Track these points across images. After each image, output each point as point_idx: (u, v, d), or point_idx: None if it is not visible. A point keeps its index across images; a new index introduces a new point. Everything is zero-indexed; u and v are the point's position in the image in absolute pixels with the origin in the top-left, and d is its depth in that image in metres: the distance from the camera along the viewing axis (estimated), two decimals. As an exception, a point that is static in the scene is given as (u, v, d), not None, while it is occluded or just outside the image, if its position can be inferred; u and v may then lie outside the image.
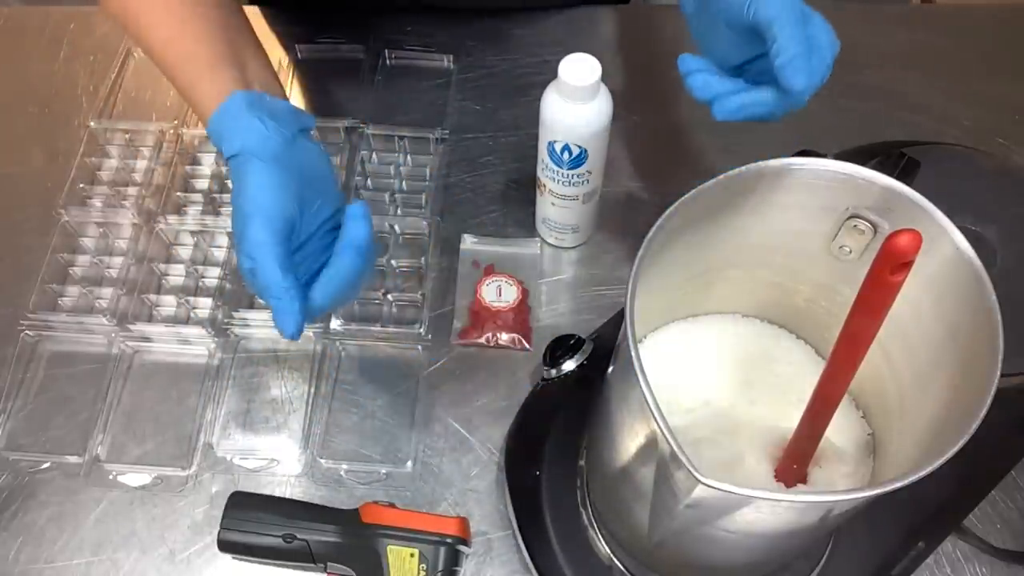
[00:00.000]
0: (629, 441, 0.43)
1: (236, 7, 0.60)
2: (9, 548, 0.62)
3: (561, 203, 0.69)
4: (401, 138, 0.79)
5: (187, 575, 0.61)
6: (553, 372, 0.62)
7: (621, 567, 0.57)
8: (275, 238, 0.49)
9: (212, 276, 0.73)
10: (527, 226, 0.76)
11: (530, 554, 0.58)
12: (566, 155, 0.64)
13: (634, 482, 0.45)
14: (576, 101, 0.60)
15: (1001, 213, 0.65)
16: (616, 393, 0.45)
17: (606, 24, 0.90)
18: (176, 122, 0.79)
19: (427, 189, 0.77)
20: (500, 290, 0.71)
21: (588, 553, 0.58)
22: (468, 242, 0.75)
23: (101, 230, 0.75)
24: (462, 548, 0.58)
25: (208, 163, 0.79)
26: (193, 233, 0.74)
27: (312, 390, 0.68)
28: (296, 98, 0.84)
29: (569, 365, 0.62)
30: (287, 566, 0.60)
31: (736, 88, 0.53)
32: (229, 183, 0.78)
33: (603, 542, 0.58)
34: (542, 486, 0.60)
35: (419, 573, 0.57)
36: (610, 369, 0.47)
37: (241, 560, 0.60)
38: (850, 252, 0.47)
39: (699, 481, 0.35)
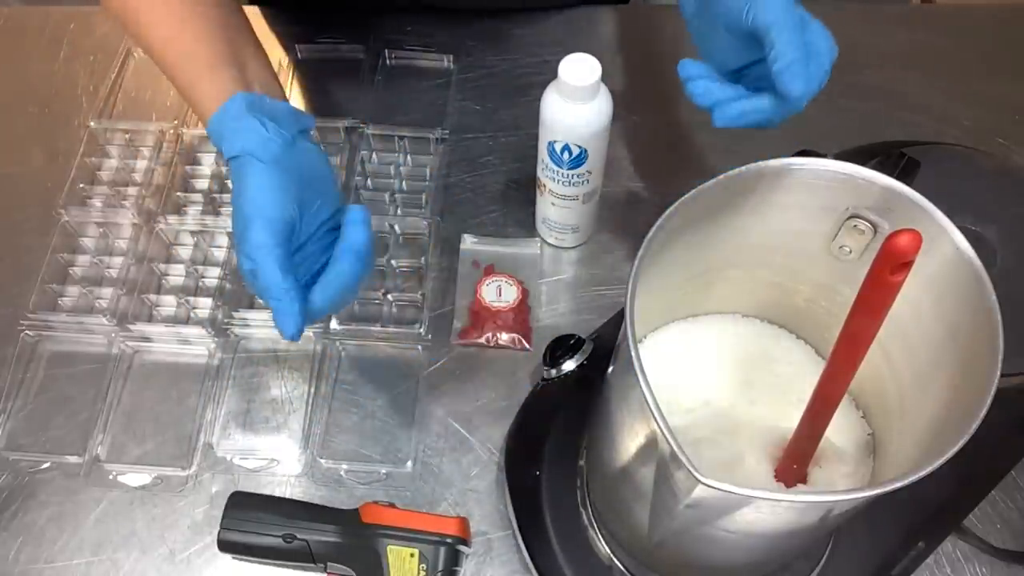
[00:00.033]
0: (629, 441, 0.43)
1: (236, 7, 0.60)
2: (9, 548, 0.62)
3: (561, 203, 0.69)
4: (401, 138, 0.79)
5: (187, 575, 0.61)
6: (553, 372, 0.62)
7: (621, 567, 0.57)
8: (275, 239, 0.50)
9: (212, 276, 0.73)
10: (527, 226, 0.76)
11: (530, 554, 0.58)
12: (566, 155, 0.64)
13: (634, 482, 0.45)
14: (576, 101, 0.60)
15: (1001, 213, 0.65)
16: (616, 393, 0.45)
17: (606, 24, 0.90)
18: (176, 122, 0.79)
19: (427, 189, 0.77)
20: (500, 290, 0.71)
21: (588, 553, 0.58)
22: (468, 242, 0.75)
23: (101, 230, 0.75)
24: (462, 548, 0.58)
25: (208, 163, 0.79)
26: (193, 233, 0.74)
27: (312, 390, 0.68)
28: (296, 98, 0.84)
29: (569, 365, 0.62)
30: (287, 566, 0.60)
31: (736, 95, 0.53)
32: (229, 183, 0.78)
33: (603, 542, 0.58)
34: (542, 486, 0.60)
35: (419, 573, 0.57)
36: (610, 369, 0.47)
37: (241, 560, 0.60)
38: (850, 252, 0.47)
39: (699, 481, 0.35)
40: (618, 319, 0.67)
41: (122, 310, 0.70)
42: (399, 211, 0.76)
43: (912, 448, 0.44)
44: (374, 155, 0.80)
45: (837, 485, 0.50)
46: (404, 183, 0.78)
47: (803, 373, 0.55)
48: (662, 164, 0.81)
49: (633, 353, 0.37)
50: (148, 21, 0.57)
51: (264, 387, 0.68)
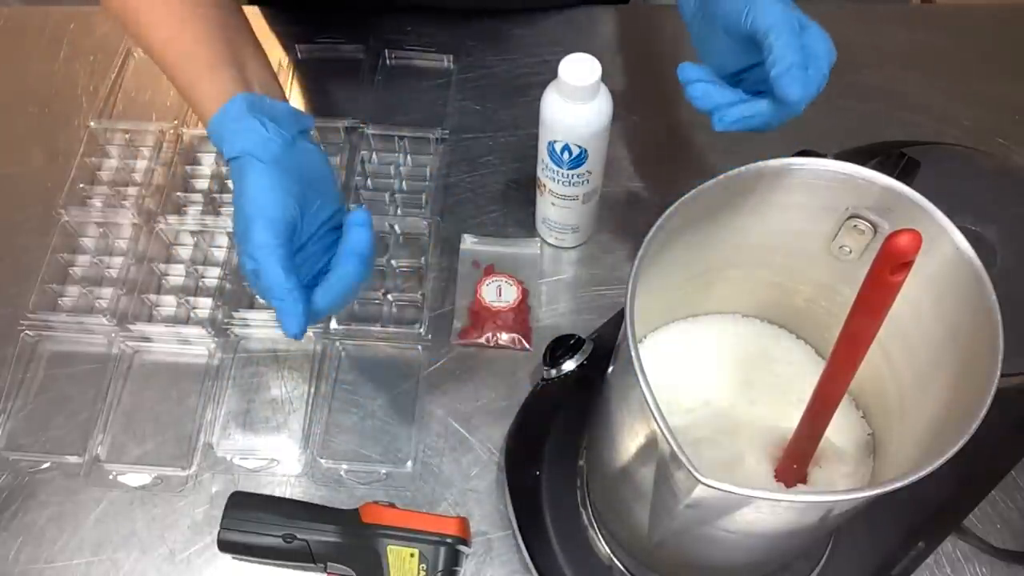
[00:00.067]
0: (629, 441, 0.43)
1: (235, 7, 0.60)
2: (9, 548, 0.62)
3: (561, 203, 0.69)
4: (401, 138, 0.79)
5: (187, 575, 0.61)
6: (553, 372, 0.62)
7: (621, 567, 0.57)
8: (277, 240, 0.50)
9: (212, 276, 0.73)
10: (527, 226, 0.76)
11: (530, 554, 0.58)
12: (566, 155, 0.64)
13: (634, 482, 0.45)
14: (576, 101, 0.60)
15: (1001, 213, 0.65)
16: (616, 393, 0.45)
17: (606, 24, 0.90)
18: (176, 122, 0.79)
19: (427, 189, 0.77)
20: (500, 290, 0.71)
21: (588, 553, 0.58)
22: (468, 242, 0.75)
23: (101, 230, 0.75)
24: (462, 548, 0.58)
25: (208, 163, 0.79)
26: (193, 233, 0.74)
27: (312, 390, 0.68)
28: (296, 98, 0.84)
29: (569, 365, 0.62)
30: (287, 566, 0.60)
31: (735, 99, 0.53)
32: (229, 183, 0.78)
33: (603, 542, 0.58)
34: (542, 486, 0.60)
35: (419, 573, 0.57)
36: (610, 369, 0.47)
37: (241, 560, 0.60)
38: (850, 252, 0.47)
39: (699, 481, 0.35)
40: (618, 319, 0.67)
41: (122, 310, 0.70)
42: (399, 211, 0.76)
43: (912, 448, 0.44)
44: (374, 155, 0.80)
45: (837, 485, 0.50)
46: (404, 183, 0.78)
47: (803, 373, 0.55)
48: (662, 164, 0.81)
49: (633, 353, 0.37)
50: (148, 22, 0.57)
51: (264, 387, 0.68)
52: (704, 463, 0.34)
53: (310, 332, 0.69)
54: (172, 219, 0.74)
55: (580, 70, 0.59)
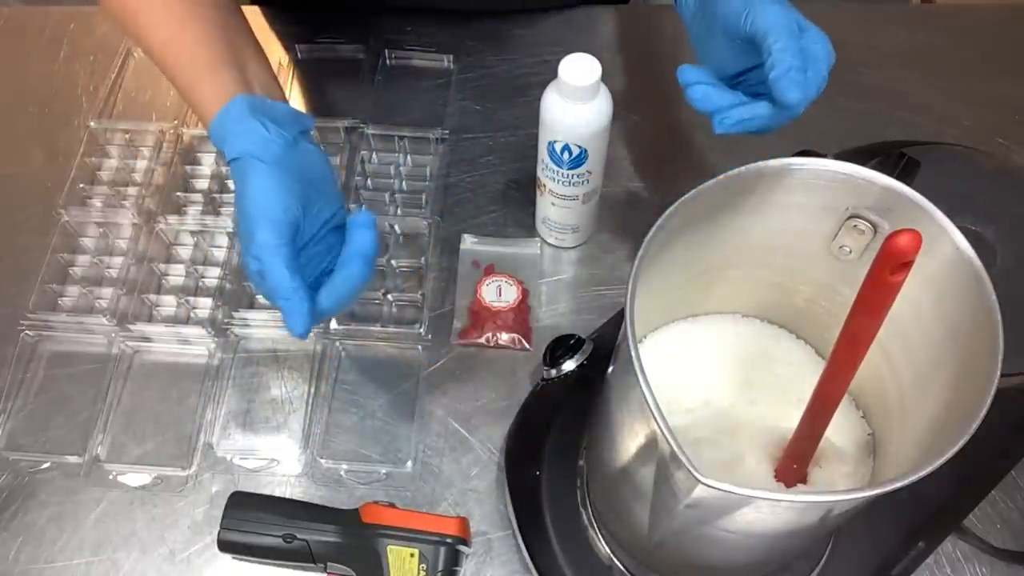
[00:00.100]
0: (629, 441, 0.43)
1: (235, 8, 0.60)
2: (9, 548, 0.62)
3: (561, 203, 0.69)
4: (401, 138, 0.79)
5: (187, 575, 0.61)
6: (553, 372, 0.62)
7: (621, 567, 0.57)
8: (281, 240, 0.50)
9: (212, 276, 0.73)
10: (527, 226, 0.76)
11: (530, 554, 0.58)
12: (566, 155, 0.64)
13: (634, 482, 0.45)
14: (576, 101, 0.60)
15: (1001, 213, 0.65)
16: (616, 393, 0.45)
17: (606, 24, 0.90)
18: (176, 122, 0.79)
19: (427, 189, 0.77)
20: (500, 290, 0.71)
21: (588, 553, 0.58)
22: (468, 242, 0.75)
23: (101, 230, 0.75)
24: (462, 548, 0.58)
25: (208, 163, 0.79)
26: (193, 233, 0.74)
27: (312, 390, 0.68)
28: (296, 98, 0.84)
29: (569, 365, 0.62)
30: (287, 566, 0.60)
31: (735, 101, 0.53)
32: (229, 183, 0.78)
33: (603, 542, 0.58)
34: (542, 486, 0.60)
35: (419, 573, 0.57)
36: (610, 369, 0.47)
37: (241, 560, 0.60)
38: (850, 252, 0.47)
39: (699, 481, 0.35)
40: (618, 319, 0.67)
41: (122, 310, 0.70)
42: (399, 211, 0.76)
43: (912, 448, 0.44)
44: (374, 155, 0.80)
45: (837, 485, 0.50)
46: (404, 183, 0.78)
47: (803, 373, 0.55)
48: (662, 164, 0.81)
49: (633, 353, 0.37)
50: (148, 23, 0.57)
51: (264, 387, 0.68)
52: (704, 463, 0.34)
53: (311, 332, 0.69)
54: (172, 219, 0.74)
55: (580, 70, 0.59)
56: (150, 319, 0.71)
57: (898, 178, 0.42)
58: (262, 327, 0.70)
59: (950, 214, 0.41)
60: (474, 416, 0.67)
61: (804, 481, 0.50)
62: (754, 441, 0.51)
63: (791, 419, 0.46)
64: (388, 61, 0.86)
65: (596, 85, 0.60)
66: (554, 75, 0.60)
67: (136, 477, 0.64)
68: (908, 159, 0.64)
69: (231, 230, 0.74)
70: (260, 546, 0.58)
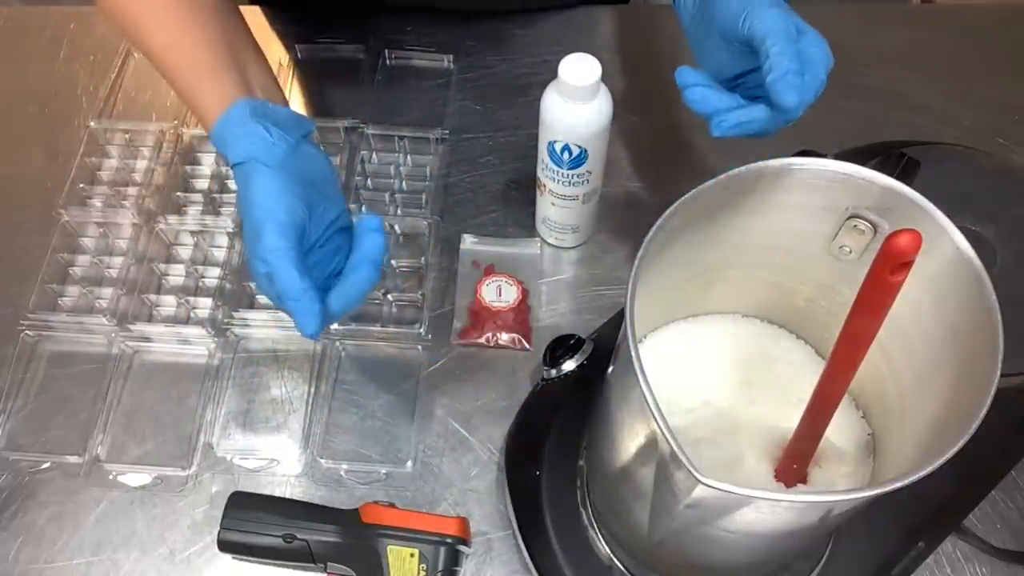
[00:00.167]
0: (629, 441, 0.43)
1: (235, 11, 0.60)
2: (9, 548, 0.62)
3: (561, 203, 0.69)
4: (401, 138, 0.79)
5: (187, 575, 0.61)
6: (553, 372, 0.62)
7: (621, 567, 0.57)
8: (288, 242, 0.50)
9: (212, 276, 0.73)
10: (527, 226, 0.76)
11: (530, 554, 0.58)
12: (566, 155, 0.64)
13: (634, 482, 0.45)
14: (576, 101, 0.60)
15: (1001, 213, 0.65)
16: (616, 393, 0.45)
17: (606, 24, 0.90)
18: (176, 122, 0.79)
19: (427, 189, 0.77)
20: (500, 290, 0.71)
21: (588, 553, 0.58)
22: (468, 242, 0.75)
23: (101, 230, 0.75)
24: (462, 548, 0.58)
25: (208, 163, 0.79)
26: (193, 233, 0.74)
27: (312, 390, 0.68)
28: (296, 98, 0.84)
29: (569, 365, 0.62)
30: (287, 566, 0.60)
31: (733, 104, 0.53)
32: (229, 183, 0.78)
33: (603, 542, 0.58)
34: (542, 486, 0.60)
35: (419, 573, 0.57)
36: (610, 369, 0.47)
37: (241, 560, 0.60)
38: (850, 252, 0.47)
39: (699, 481, 0.35)
40: (618, 319, 0.67)
41: (122, 310, 0.70)
42: (399, 211, 0.76)
43: (912, 448, 0.44)
44: (374, 155, 0.80)
45: (837, 485, 0.50)
46: (404, 183, 0.78)
47: (803, 373, 0.55)
48: (662, 164, 0.81)
49: (633, 353, 0.37)
50: (148, 28, 0.57)
51: (264, 387, 0.68)
52: (704, 463, 0.34)
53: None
54: (172, 219, 0.74)
55: (580, 70, 0.59)
56: (150, 319, 0.71)
57: (898, 178, 0.42)
58: (262, 327, 0.70)
59: (950, 214, 0.41)
60: (474, 416, 0.67)
61: (804, 481, 0.50)
62: (754, 441, 0.51)
63: (791, 419, 0.46)
64: (388, 61, 0.86)
65: (596, 85, 0.60)
66: (554, 75, 0.60)
67: (136, 477, 0.64)
68: (908, 159, 0.64)
69: (231, 230, 0.74)
70: (260, 546, 0.58)
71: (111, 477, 0.64)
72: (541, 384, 0.64)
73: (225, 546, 0.58)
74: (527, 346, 0.70)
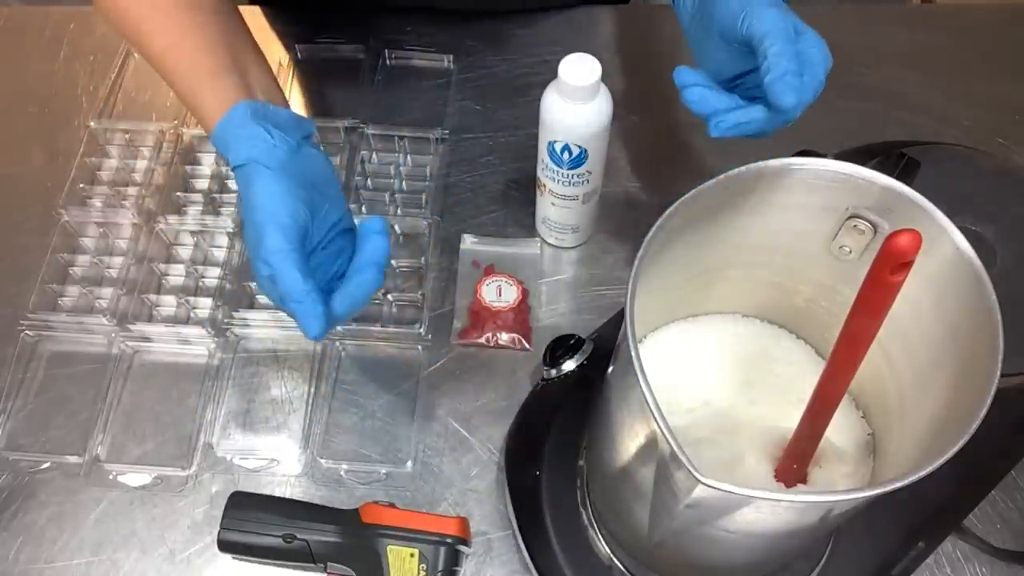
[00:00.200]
0: (629, 441, 0.43)
1: (235, 13, 0.60)
2: (9, 548, 0.62)
3: (561, 203, 0.69)
4: (401, 138, 0.79)
5: (187, 575, 0.61)
6: (553, 372, 0.62)
7: (621, 567, 0.57)
8: (291, 244, 0.50)
9: (212, 276, 0.73)
10: (527, 226, 0.76)
11: (530, 554, 0.58)
12: (566, 155, 0.64)
13: (634, 482, 0.46)
14: (576, 101, 0.60)
15: (1001, 213, 0.65)
16: (616, 393, 0.45)
17: (606, 24, 0.90)
18: (176, 122, 0.79)
19: (427, 189, 0.77)
20: (500, 290, 0.71)
21: (588, 553, 0.58)
22: (468, 242, 0.75)
23: (101, 230, 0.75)
24: (462, 548, 0.58)
25: (208, 163, 0.79)
26: (193, 233, 0.74)
27: (312, 390, 0.68)
28: (296, 98, 0.84)
29: (569, 365, 0.62)
30: (287, 566, 0.60)
31: (731, 104, 0.53)
32: (229, 183, 0.78)
33: (603, 542, 0.58)
34: (542, 486, 0.60)
35: (419, 573, 0.57)
36: (610, 369, 0.47)
37: (241, 560, 0.60)
38: (850, 252, 0.47)
39: (699, 481, 0.35)
40: (618, 319, 0.67)
41: (122, 310, 0.70)
42: (399, 211, 0.76)
43: (912, 448, 0.44)
44: (374, 155, 0.80)
45: (837, 485, 0.50)
46: (404, 183, 0.78)
47: (803, 373, 0.55)
48: (662, 164, 0.81)
49: (633, 353, 0.37)
50: (148, 30, 0.57)
51: (264, 387, 0.68)
52: (704, 463, 0.34)
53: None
54: (172, 219, 0.74)
55: (580, 70, 0.59)
56: (150, 319, 0.71)
57: (898, 178, 0.42)
58: (262, 327, 0.70)
59: (950, 214, 0.41)
60: (474, 416, 0.67)
61: (804, 481, 0.50)
62: (754, 441, 0.51)
63: (791, 419, 0.46)
64: (388, 61, 0.86)
65: (596, 85, 0.60)
66: (554, 75, 0.60)
67: (136, 477, 0.64)
68: (908, 159, 0.64)
69: (231, 230, 0.74)
70: (260, 546, 0.58)
71: (111, 477, 0.64)
72: (541, 384, 0.64)
73: (225, 546, 0.58)
74: (527, 346, 0.70)
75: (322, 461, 0.65)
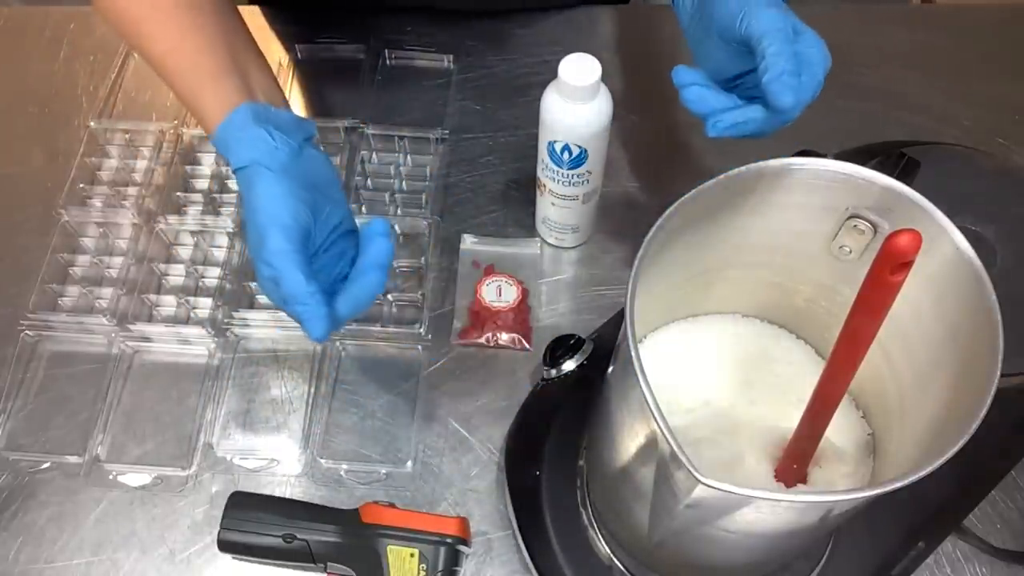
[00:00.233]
0: (629, 441, 0.43)
1: (236, 15, 0.60)
2: (9, 548, 0.62)
3: (561, 203, 0.69)
4: (401, 138, 0.79)
5: (187, 575, 0.61)
6: (553, 372, 0.62)
7: (621, 567, 0.57)
8: (294, 246, 0.50)
9: (212, 276, 0.73)
10: (527, 226, 0.76)
11: (530, 554, 0.58)
12: (566, 155, 0.64)
13: (634, 482, 0.46)
14: (576, 101, 0.60)
15: (1001, 213, 0.65)
16: (616, 393, 0.45)
17: (606, 24, 0.90)
18: (176, 122, 0.79)
19: (427, 189, 0.77)
20: (500, 290, 0.71)
21: (588, 553, 0.58)
22: (468, 242, 0.75)
23: (101, 230, 0.75)
24: (462, 548, 0.58)
25: (208, 163, 0.79)
26: (193, 233, 0.74)
27: (312, 390, 0.68)
28: (296, 98, 0.84)
29: (569, 365, 0.62)
30: (287, 566, 0.60)
31: (729, 104, 0.53)
32: (229, 183, 0.78)
33: (603, 542, 0.58)
34: (542, 486, 0.60)
35: (419, 573, 0.57)
36: (610, 369, 0.47)
37: (241, 560, 0.60)
38: (850, 252, 0.47)
39: (699, 481, 0.35)
40: (618, 319, 0.67)
41: (122, 310, 0.70)
42: (399, 211, 0.76)
43: (912, 448, 0.44)
44: (374, 155, 0.80)
45: (837, 485, 0.50)
46: (404, 183, 0.78)
47: (803, 373, 0.55)
48: (662, 164, 0.81)
49: (633, 353, 0.37)
50: (149, 33, 0.57)
51: (264, 387, 0.68)
52: (704, 463, 0.34)
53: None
54: (172, 219, 0.74)
55: (580, 70, 0.59)
56: (150, 319, 0.71)
57: (898, 178, 0.42)
58: (262, 327, 0.70)
59: (950, 214, 0.41)
60: (474, 416, 0.67)
61: (804, 481, 0.50)
62: (754, 441, 0.51)
63: (791, 419, 0.46)
64: (388, 61, 0.86)
65: (596, 85, 0.60)
66: (554, 75, 0.60)
67: (136, 477, 0.64)
68: (908, 159, 0.64)
69: (231, 230, 0.74)
70: (260, 546, 0.58)
71: (111, 477, 0.64)
72: (541, 384, 0.64)
73: (225, 546, 0.58)
74: (527, 346, 0.70)
75: (322, 461, 0.65)
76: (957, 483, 0.56)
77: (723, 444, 0.51)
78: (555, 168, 0.65)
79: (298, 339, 0.70)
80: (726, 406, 0.53)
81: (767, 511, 0.39)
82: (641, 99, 0.83)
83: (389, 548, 0.57)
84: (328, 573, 0.58)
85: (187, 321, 0.71)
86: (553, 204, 0.70)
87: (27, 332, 0.70)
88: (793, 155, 0.44)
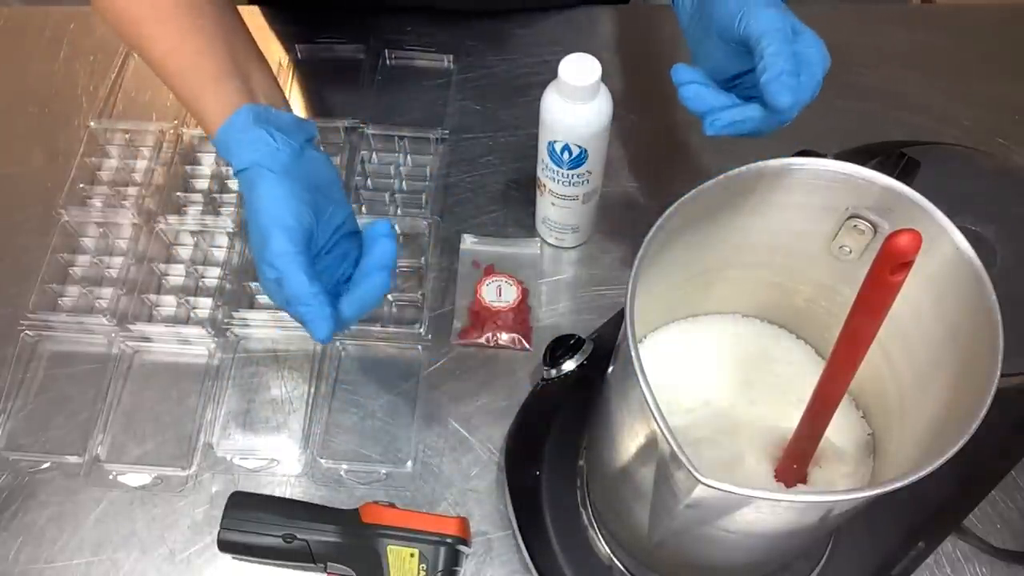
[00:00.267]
0: (629, 441, 0.43)
1: (236, 15, 0.60)
2: (9, 548, 0.62)
3: (561, 203, 0.69)
4: (401, 138, 0.79)
5: (187, 575, 0.61)
6: (553, 372, 0.62)
7: (621, 567, 0.57)
8: (297, 247, 0.50)
9: (212, 276, 0.73)
10: (527, 226, 0.76)
11: (530, 554, 0.58)
12: (566, 155, 0.64)
13: (634, 482, 0.46)
14: (576, 101, 0.60)
15: (1001, 213, 0.65)
16: (616, 393, 0.45)
17: (606, 24, 0.90)
18: (176, 122, 0.79)
19: (427, 189, 0.77)
20: (500, 290, 0.72)
21: (588, 553, 0.58)
22: (468, 242, 0.75)
23: (101, 230, 0.75)
24: (462, 548, 0.58)
25: (208, 163, 0.79)
26: (193, 233, 0.74)
27: (312, 390, 0.68)
28: (296, 98, 0.84)
29: (569, 365, 0.62)
30: (287, 566, 0.60)
31: (728, 103, 0.53)
32: (229, 183, 0.78)
33: (603, 542, 0.58)
34: (542, 486, 0.60)
35: (419, 573, 0.57)
36: (610, 369, 0.47)
37: (241, 560, 0.60)
38: (850, 252, 0.47)
39: (699, 481, 0.35)
40: (618, 319, 0.67)
41: (122, 310, 0.70)
42: (399, 211, 0.76)
43: (912, 448, 0.44)
44: (374, 155, 0.80)
45: (837, 485, 0.50)
46: (404, 183, 0.78)
47: (803, 373, 0.55)
48: (662, 164, 0.81)
49: (633, 353, 0.37)
50: (149, 35, 0.57)
51: (264, 387, 0.68)
52: (704, 463, 0.34)
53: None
54: (172, 219, 0.74)
55: (580, 70, 0.59)
56: (150, 319, 0.71)
57: (898, 178, 0.42)
58: (262, 327, 0.70)
59: (950, 214, 0.41)
60: (474, 416, 0.67)
61: (804, 481, 0.50)
62: (754, 441, 0.51)
63: (791, 419, 0.46)
64: (388, 61, 0.86)
65: (596, 85, 0.60)
66: (554, 75, 0.60)
67: (136, 477, 0.64)
68: (908, 159, 0.64)
69: (231, 230, 0.74)
70: (260, 546, 0.58)
71: (111, 477, 0.64)
72: (541, 384, 0.64)
73: (225, 546, 0.58)
74: (527, 346, 0.70)
75: (322, 461, 0.65)
76: (957, 483, 0.56)
77: (723, 444, 0.51)
78: (555, 168, 0.65)
79: (298, 339, 0.70)
80: (726, 406, 0.53)
81: (767, 511, 0.39)
82: (641, 99, 0.83)
83: (389, 548, 0.57)
84: (328, 573, 0.58)
85: (187, 321, 0.71)
86: (553, 204, 0.70)
87: (27, 332, 0.70)
88: (793, 155, 0.44)
